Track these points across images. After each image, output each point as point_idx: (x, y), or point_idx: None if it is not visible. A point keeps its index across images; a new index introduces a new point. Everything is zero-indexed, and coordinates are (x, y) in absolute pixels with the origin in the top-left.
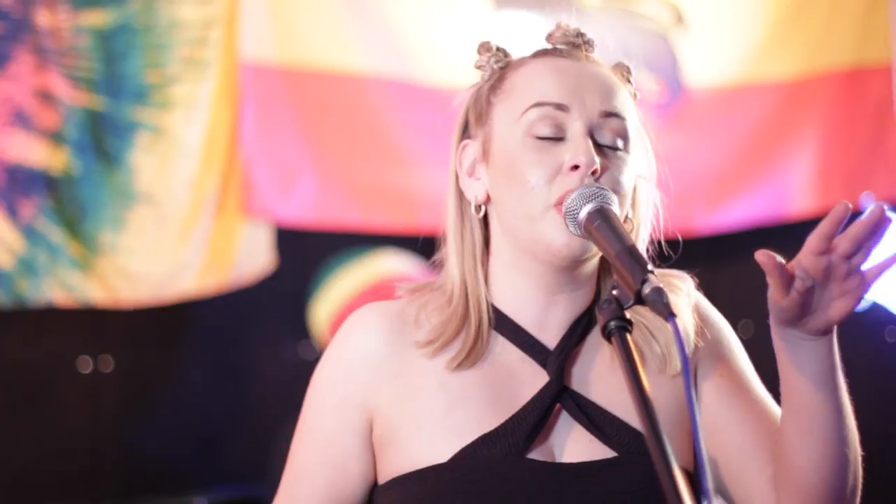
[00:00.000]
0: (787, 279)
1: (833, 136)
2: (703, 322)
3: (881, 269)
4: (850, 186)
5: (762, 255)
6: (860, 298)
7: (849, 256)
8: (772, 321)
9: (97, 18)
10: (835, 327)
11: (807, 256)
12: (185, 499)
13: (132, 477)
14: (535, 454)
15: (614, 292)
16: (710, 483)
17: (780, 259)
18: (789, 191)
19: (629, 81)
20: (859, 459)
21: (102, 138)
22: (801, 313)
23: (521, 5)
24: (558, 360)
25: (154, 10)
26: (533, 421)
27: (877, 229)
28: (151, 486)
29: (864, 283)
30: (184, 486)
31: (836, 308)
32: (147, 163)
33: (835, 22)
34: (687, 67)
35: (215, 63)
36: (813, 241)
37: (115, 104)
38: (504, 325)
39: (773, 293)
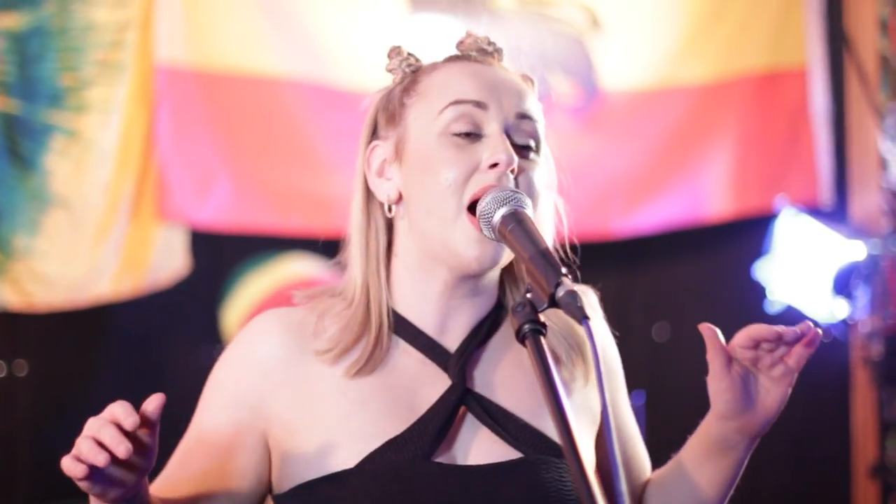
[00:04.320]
0: (727, 358)
1: (748, 138)
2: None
3: (801, 356)
4: (765, 189)
5: (707, 329)
6: (789, 385)
7: (773, 350)
8: (714, 417)
9: (11, 21)
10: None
11: (735, 348)
12: None
13: (46, 482)
14: (440, 457)
15: (528, 295)
16: (623, 485)
17: (721, 337)
18: (705, 193)
19: (534, 91)
20: None
21: (17, 141)
22: (740, 406)
23: (436, 9)
24: (459, 363)
25: (69, 12)
26: (438, 424)
27: (809, 345)
28: (66, 491)
29: (789, 370)
30: None
31: (770, 398)
32: (62, 166)
33: (750, 26)
34: (602, 71)
35: (130, 66)
36: (742, 337)
37: (29, 107)
38: (404, 328)
39: (714, 375)
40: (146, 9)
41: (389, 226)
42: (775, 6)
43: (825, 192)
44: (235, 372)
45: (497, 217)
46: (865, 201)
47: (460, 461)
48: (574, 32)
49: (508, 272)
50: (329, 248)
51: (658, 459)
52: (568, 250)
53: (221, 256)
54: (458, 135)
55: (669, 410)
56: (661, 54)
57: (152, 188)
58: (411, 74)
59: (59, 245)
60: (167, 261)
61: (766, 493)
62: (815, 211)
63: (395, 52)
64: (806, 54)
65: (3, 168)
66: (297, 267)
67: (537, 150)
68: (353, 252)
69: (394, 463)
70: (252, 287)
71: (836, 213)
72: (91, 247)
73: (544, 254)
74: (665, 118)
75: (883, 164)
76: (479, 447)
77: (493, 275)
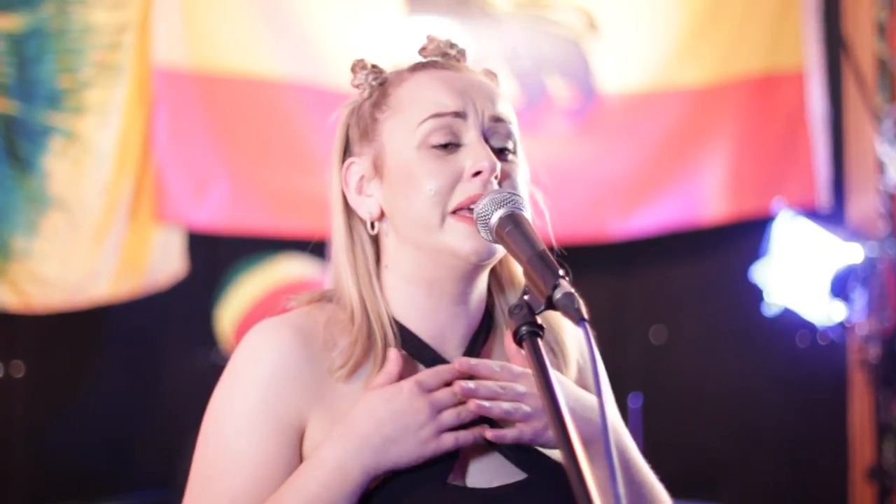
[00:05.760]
0: None
1: (745, 141)
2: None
3: None
4: (761, 192)
5: None
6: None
7: None
8: None
9: (10, 23)
10: None
11: None
12: None
13: (43, 483)
14: (454, 480)
15: (525, 297)
16: (621, 489)
17: None
18: (702, 196)
19: (499, 86)
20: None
21: (15, 143)
22: None
23: (433, 11)
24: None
25: (67, 14)
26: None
27: None
28: (62, 492)
29: None
30: (95, 491)
31: None
32: (60, 168)
33: (747, 29)
34: (599, 73)
35: (128, 68)
36: None
37: (28, 109)
38: (408, 339)
39: None
40: (144, 11)
41: (373, 238)
42: (772, 9)
43: (822, 195)
44: (269, 391)
45: (494, 219)
46: (862, 204)
47: (470, 483)
48: (571, 35)
49: (496, 278)
50: (322, 249)
51: (655, 461)
52: (553, 242)
53: (219, 258)
54: (437, 146)
55: (666, 413)
56: (659, 57)
57: (150, 190)
58: (379, 87)
59: (57, 246)
60: (165, 262)
61: (763, 495)
62: (812, 213)
63: (358, 66)
64: (803, 57)
65: (2, 169)
66: (291, 268)
67: (514, 151)
68: (342, 270)
69: (412, 485)
70: (246, 288)
71: (833, 215)
72: (89, 248)
73: (542, 256)
74: (662, 121)
75: (880, 167)
76: (485, 468)
77: (484, 278)
